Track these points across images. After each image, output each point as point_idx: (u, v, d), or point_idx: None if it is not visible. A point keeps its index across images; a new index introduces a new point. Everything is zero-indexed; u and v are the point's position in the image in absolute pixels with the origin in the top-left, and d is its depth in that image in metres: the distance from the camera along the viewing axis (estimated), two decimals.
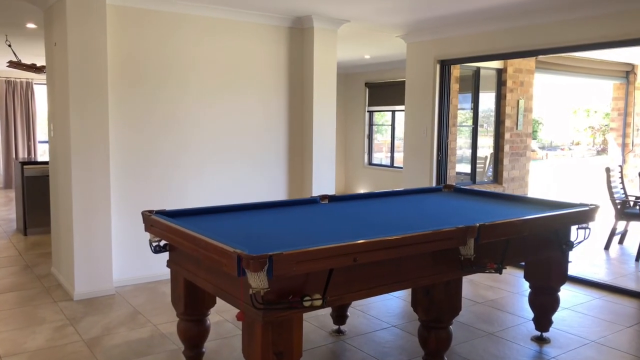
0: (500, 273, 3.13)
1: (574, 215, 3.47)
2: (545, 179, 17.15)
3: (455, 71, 6.88)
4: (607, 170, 7.15)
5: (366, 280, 2.65)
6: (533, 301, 3.81)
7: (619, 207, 7.07)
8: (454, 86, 6.90)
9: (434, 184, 6.46)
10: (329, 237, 2.76)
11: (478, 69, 7.35)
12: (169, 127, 5.15)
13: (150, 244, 3.13)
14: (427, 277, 2.90)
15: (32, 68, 7.44)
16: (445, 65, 6.40)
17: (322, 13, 5.52)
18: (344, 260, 2.42)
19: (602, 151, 28.86)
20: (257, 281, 2.20)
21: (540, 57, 7.83)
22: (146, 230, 3.15)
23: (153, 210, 3.22)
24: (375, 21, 5.92)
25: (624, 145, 9.80)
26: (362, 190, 10.83)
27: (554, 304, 3.75)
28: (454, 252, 2.94)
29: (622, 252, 7.06)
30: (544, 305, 3.76)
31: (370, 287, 2.68)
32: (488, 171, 7.99)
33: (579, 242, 3.65)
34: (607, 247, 6.98)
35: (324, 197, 3.91)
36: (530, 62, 7.70)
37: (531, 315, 4.07)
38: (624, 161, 9.80)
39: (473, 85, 7.42)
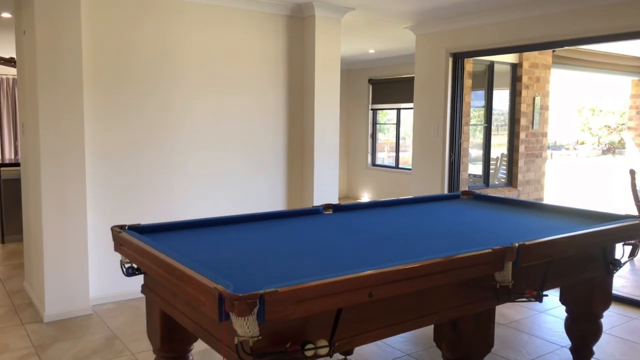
0: (541, 301, 2.61)
1: (624, 229, 2.94)
2: (554, 181, 16.62)
3: (468, 66, 6.35)
4: (632, 172, 6.62)
5: (383, 316, 2.12)
6: (571, 329, 3.27)
7: None
8: (467, 82, 6.37)
9: (446, 188, 5.94)
10: (336, 263, 2.24)
11: (492, 64, 6.81)
12: (154, 127, 4.62)
13: (122, 266, 2.60)
14: (455, 309, 2.37)
15: (11, 62, 6.89)
16: (458, 59, 5.86)
17: (324, 0, 4.99)
18: (356, 296, 1.89)
19: (608, 151, 28.37)
20: (245, 328, 1.67)
21: (558, 51, 7.31)
22: (116, 249, 2.62)
23: (125, 226, 2.69)
24: (382, 9, 5.39)
25: None
26: (366, 194, 10.29)
27: (596, 332, 3.22)
28: (487, 278, 2.41)
29: (632, 256, 6.55)
30: (584, 334, 3.23)
31: (388, 325, 2.15)
32: (499, 173, 7.46)
33: (627, 261, 3.12)
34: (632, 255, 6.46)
35: (327, 206, 3.38)
36: (547, 56, 7.17)
37: (564, 339, 3.56)
38: None
39: (487, 81, 6.88)
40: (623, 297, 4.67)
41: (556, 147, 29.55)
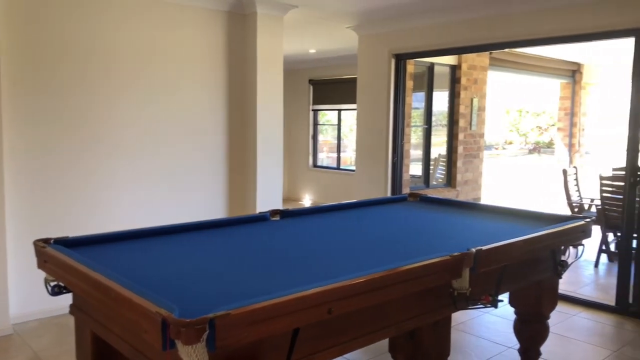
0: (496, 307, 2.56)
1: (573, 230, 2.96)
2: (488, 180, 17.15)
3: (409, 67, 6.36)
4: (565, 172, 6.86)
5: (341, 332, 1.98)
6: (520, 331, 3.27)
7: (576, 210, 6.81)
8: (408, 83, 6.37)
9: (389, 189, 5.90)
10: (291, 276, 2.08)
11: (432, 65, 6.86)
12: (81, 128, 4.27)
13: (47, 284, 2.31)
14: (414, 319, 2.27)
15: None
16: (401, 60, 5.85)
17: None
18: (316, 314, 1.74)
19: (534, 150, 29.79)
20: (193, 357, 1.48)
21: (494, 54, 7.48)
22: (39, 267, 2.33)
23: (50, 239, 2.41)
24: (325, 8, 5.27)
25: (570, 145, 9.70)
26: (307, 196, 10.17)
27: (544, 333, 3.23)
28: (444, 285, 2.32)
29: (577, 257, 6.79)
30: (533, 336, 3.23)
31: (347, 341, 2.01)
32: (437, 173, 7.54)
33: (573, 262, 3.16)
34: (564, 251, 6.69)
35: (274, 212, 3.21)
36: (484, 58, 7.32)
37: (510, 340, 3.57)
38: (570, 161, 9.70)
39: (427, 82, 6.92)
40: (560, 294, 4.79)
41: (487, 147, 30.71)
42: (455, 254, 2.25)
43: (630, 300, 4.35)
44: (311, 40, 7.32)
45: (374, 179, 6.02)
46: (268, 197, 5.16)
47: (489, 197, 8.99)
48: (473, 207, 3.81)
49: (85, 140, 4.29)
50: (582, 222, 3.03)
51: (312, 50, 8.24)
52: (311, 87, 9.90)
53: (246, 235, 2.78)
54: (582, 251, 3.12)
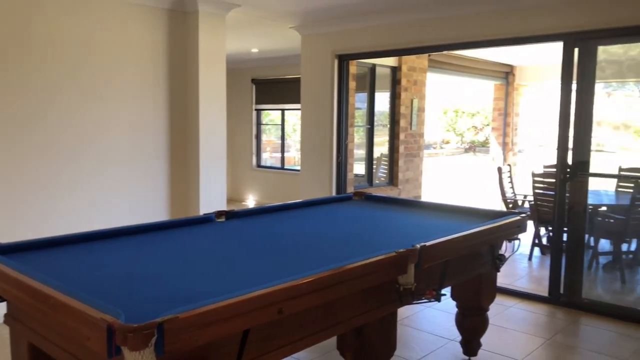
0: (440, 301, 2.64)
1: (511, 225, 3.10)
2: (428, 178, 17.60)
3: (352, 68, 6.44)
4: (499, 170, 7.16)
5: (291, 331, 1.99)
6: (462, 323, 3.40)
7: (510, 206, 7.12)
8: (351, 84, 6.46)
9: (334, 188, 5.96)
10: (240, 278, 2.06)
11: (374, 67, 6.98)
12: (14, 130, 4.05)
13: None
14: (362, 316, 2.31)
15: None
16: (344, 61, 5.91)
17: None
18: (266, 314, 1.74)
19: (470, 149, 30.90)
20: None
21: (433, 56, 7.70)
22: None
23: None
24: (268, 7, 5.25)
25: (504, 144, 10.12)
26: (251, 197, 10.08)
27: (484, 325, 3.38)
28: (391, 281, 2.38)
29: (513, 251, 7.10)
30: (473, 328, 3.36)
31: (296, 340, 2.02)
32: (379, 172, 7.68)
33: (509, 256, 3.30)
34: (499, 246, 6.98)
35: (220, 213, 3.17)
36: (423, 60, 7.52)
37: (452, 332, 3.69)
38: (504, 159, 10.12)
39: (369, 83, 7.04)
40: (498, 287, 5.00)
41: (426, 147, 31.58)
42: (401, 250, 2.31)
43: (562, 291, 4.60)
44: (254, 40, 7.27)
45: (319, 178, 6.06)
46: (211, 198, 5.08)
47: (429, 194, 9.27)
48: (416, 205, 3.91)
49: (20, 142, 4.07)
50: (518, 218, 3.18)
51: (255, 50, 8.19)
52: (254, 87, 9.83)
53: (192, 237, 2.74)
54: (518, 245, 3.27)
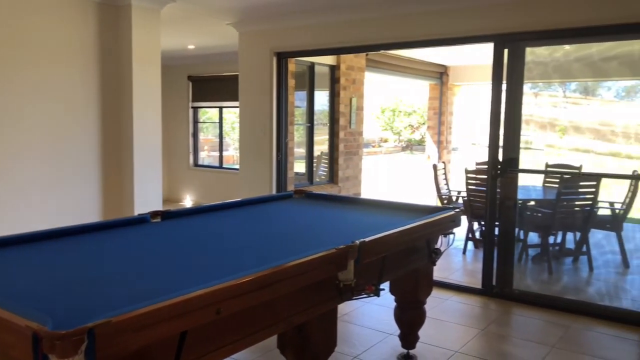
0: (379, 295, 2.68)
1: (446, 220, 3.19)
2: (367, 176, 17.88)
3: (291, 66, 6.44)
4: (435, 167, 7.37)
5: (231, 331, 1.96)
6: (400, 317, 3.46)
7: (445, 202, 7.34)
8: (290, 82, 6.45)
9: (274, 187, 5.93)
10: (175, 279, 2.01)
11: (313, 65, 7.01)
12: None
13: None
14: (302, 313, 2.30)
15: None
16: (282, 59, 5.89)
17: None
18: (203, 315, 1.70)
19: (407, 148, 31.67)
20: None
21: (370, 55, 7.81)
22: None
23: None
24: (204, 3, 5.15)
25: (439, 143, 10.44)
26: (189, 197, 9.87)
27: (421, 318, 3.46)
28: (331, 278, 2.39)
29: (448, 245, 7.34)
30: (411, 321, 3.44)
31: (236, 340, 1.99)
32: (319, 170, 7.73)
33: (445, 249, 3.40)
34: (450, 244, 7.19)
35: (155, 214, 3.07)
36: (361, 59, 7.62)
37: (391, 327, 3.76)
38: (440, 157, 10.43)
39: (308, 81, 7.06)
40: (434, 280, 5.15)
41: (365, 145, 32.07)
42: (340, 246, 2.32)
43: (494, 283, 4.79)
44: (190, 36, 7.12)
45: (258, 177, 6.01)
46: (147, 198, 4.93)
47: (368, 192, 9.43)
48: (355, 202, 3.95)
49: None
50: (452, 213, 3.28)
51: (192, 46, 8.02)
52: (191, 84, 9.62)
53: (126, 238, 2.64)
54: (453, 239, 3.37)
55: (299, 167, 7.31)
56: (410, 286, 3.35)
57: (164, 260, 2.31)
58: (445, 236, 3.42)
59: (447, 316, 4.34)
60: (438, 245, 3.39)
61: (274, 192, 5.92)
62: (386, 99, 33.26)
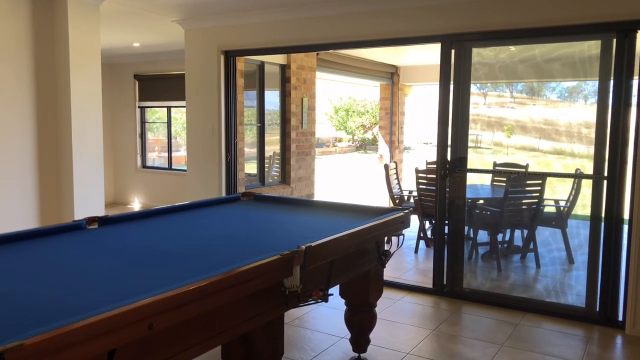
0: (327, 301, 2.61)
1: (394, 221, 3.15)
2: (321, 176, 17.86)
3: (240, 64, 6.30)
4: (386, 167, 7.38)
5: (167, 346, 1.83)
6: (350, 321, 3.41)
7: (397, 201, 7.37)
8: (239, 81, 6.31)
9: (223, 188, 5.78)
10: (106, 292, 1.87)
11: (262, 64, 6.88)
12: None
13: None
14: (246, 323, 2.20)
15: None
16: (230, 57, 5.75)
17: None
18: (134, 332, 1.58)
19: (360, 147, 31.91)
20: None
21: (321, 55, 7.76)
22: None
23: None
24: None
25: (391, 142, 10.50)
26: (137, 199, 9.55)
27: (372, 321, 3.41)
28: (276, 285, 2.30)
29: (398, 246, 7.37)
30: (362, 324, 3.39)
31: (177, 353, 1.87)
32: (272, 171, 7.61)
33: (395, 251, 3.37)
34: (389, 240, 7.22)
35: (91, 219, 2.90)
36: (312, 59, 7.55)
37: (342, 330, 3.70)
38: (392, 157, 10.50)
39: (258, 81, 6.92)
40: (387, 281, 5.14)
41: (319, 145, 32.13)
42: (285, 252, 2.23)
43: (445, 282, 4.81)
44: (135, 33, 6.86)
45: (207, 179, 5.84)
46: (87, 202, 4.70)
47: (321, 193, 9.37)
48: (304, 204, 3.87)
49: None
50: (401, 214, 3.24)
51: (137, 44, 7.74)
52: (137, 83, 9.31)
53: (57, 247, 2.47)
54: (402, 240, 3.34)
55: (251, 168, 7.17)
56: (360, 289, 3.30)
57: (95, 270, 2.15)
58: (395, 237, 3.38)
59: (398, 317, 4.32)
60: (389, 247, 3.36)
61: (223, 193, 5.77)
62: (339, 99, 33.46)
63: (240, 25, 5.51)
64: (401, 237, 3.34)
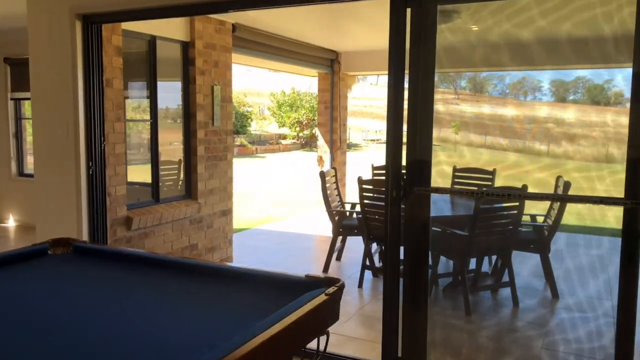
0: None
1: (317, 315, 1.56)
2: (258, 176, 16.27)
3: (116, 39, 4.54)
4: (322, 175, 5.82)
5: None
6: None
7: (336, 218, 5.83)
8: (116, 61, 4.56)
9: (84, 211, 4.03)
10: None
11: (154, 40, 5.12)
12: None
13: None
14: None
15: None
16: (93, 25, 4.00)
17: None
18: None
19: (306, 145, 30.36)
20: None
21: (238, 32, 6.09)
22: None
23: None
24: None
25: (332, 142, 8.95)
26: (12, 216, 7.56)
27: None
28: None
29: (343, 269, 5.88)
30: None
31: None
32: (178, 181, 5.83)
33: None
34: (326, 269, 5.68)
35: None
36: (225, 36, 5.85)
37: None
38: (333, 159, 8.96)
39: (148, 62, 5.16)
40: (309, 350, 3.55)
41: (261, 142, 30.32)
42: None
43: (400, 354, 3.25)
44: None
45: (60, 196, 4.10)
46: None
47: (242, 207, 7.69)
48: (170, 267, 2.21)
49: None
50: (329, 295, 1.65)
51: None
52: (9, 69, 7.33)
53: None
54: (326, 343, 1.76)
55: (145, 176, 5.40)
56: None
57: None
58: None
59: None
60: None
61: (84, 217, 4.03)
62: (282, 93, 31.75)
63: None
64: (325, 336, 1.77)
